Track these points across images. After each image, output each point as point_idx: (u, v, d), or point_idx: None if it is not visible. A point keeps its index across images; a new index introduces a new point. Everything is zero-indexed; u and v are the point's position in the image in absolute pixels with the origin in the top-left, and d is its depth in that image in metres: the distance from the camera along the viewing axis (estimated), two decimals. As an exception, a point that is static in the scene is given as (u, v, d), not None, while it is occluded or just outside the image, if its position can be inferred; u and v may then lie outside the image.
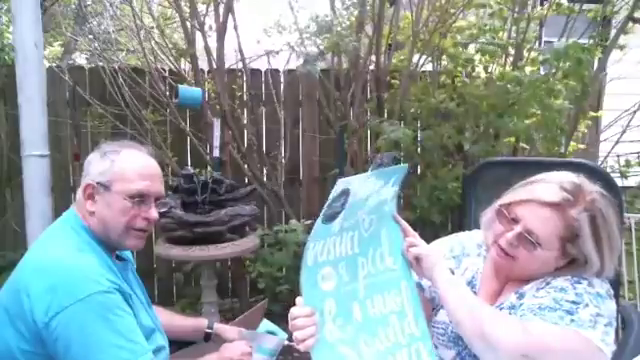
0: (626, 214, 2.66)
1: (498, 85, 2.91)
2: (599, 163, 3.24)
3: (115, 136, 3.19)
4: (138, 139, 3.08)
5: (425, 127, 3.24)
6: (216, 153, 3.06)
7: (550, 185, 1.10)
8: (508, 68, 3.13)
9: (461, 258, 1.29)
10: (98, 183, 1.23)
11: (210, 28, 3.15)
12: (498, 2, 3.02)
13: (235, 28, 3.17)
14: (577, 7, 3.11)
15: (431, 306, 1.28)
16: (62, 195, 3.23)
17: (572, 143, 3.13)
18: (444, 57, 3.26)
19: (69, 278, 1.10)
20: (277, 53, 3.40)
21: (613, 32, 3.09)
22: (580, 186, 1.09)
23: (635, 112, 3.26)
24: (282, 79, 3.63)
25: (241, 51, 3.29)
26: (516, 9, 3.04)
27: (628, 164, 3.32)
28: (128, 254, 1.42)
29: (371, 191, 1.05)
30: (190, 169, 2.67)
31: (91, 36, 4.15)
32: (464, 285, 1.18)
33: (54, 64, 4.36)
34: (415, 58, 3.24)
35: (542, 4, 3.60)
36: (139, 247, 1.30)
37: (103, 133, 3.27)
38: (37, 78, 2.36)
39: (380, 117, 3.17)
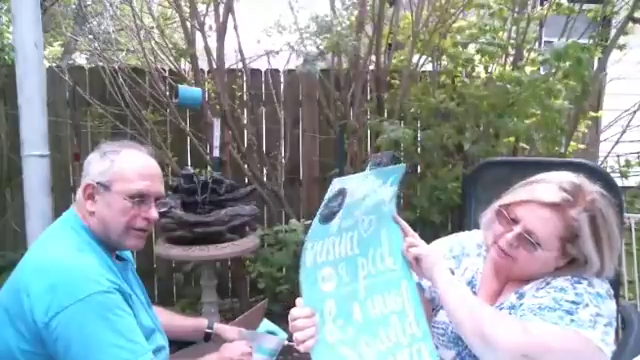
0: (626, 214, 2.66)
1: (498, 85, 2.91)
2: (599, 163, 3.24)
3: (115, 136, 3.19)
4: (138, 139, 3.08)
5: (425, 127, 3.24)
6: (216, 153, 3.06)
7: (550, 185, 1.09)
8: (508, 68, 3.13)
9: (461, 258, 1.29)
10: (98, 183, 1.23)
11: (210, 28, 3.15)
12: (498, 2, 3.02)
13: (235, 28, 3.17)
14: (577, 7, 3.11)
15: (431, 306, 1.28)
16: (62, 195, 3.23)
17: (572, 143, 3.13)
18: (444, 57, 3.26)
19: (69, 278, 1.10)
20: (277, 53, 3.40)
21: (613, 32, 3.09)
22: (580, 186, 1.09)
23: (635, 112, 3.26)
24: (282, 79, 3.63)
25: (241, 51, 3.29)
26: (516, 9, 3.04)
27: (628, 164, 3.32)
28: (128, 254, 1.42)
29: (369, 190, 1.05)
30: (190, 169, 2.67)
31: (91, 36, 4.15)
32: (464, 285, 1.18)
33: (54, 64, 4.35)
34: (415, 58, 3.24)
35: (542, 4, 3.60)
36: (139, 247, 1.30)
37: (103, 133, 3.27)
38: (37, 78, 2.36)
39: (380, 117, 3.18)
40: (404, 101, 3.15)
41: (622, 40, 3.00)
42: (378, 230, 1.12)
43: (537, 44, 3.46)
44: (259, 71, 3.55)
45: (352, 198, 1.00)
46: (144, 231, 1.28)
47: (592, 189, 1.10)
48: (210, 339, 1.53)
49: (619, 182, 2.95)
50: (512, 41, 3.07)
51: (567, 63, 2.64)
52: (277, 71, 3.59)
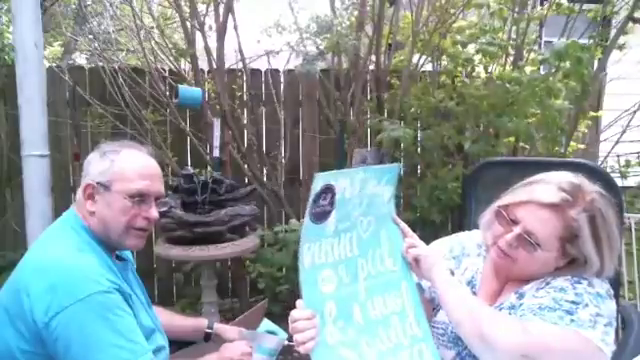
0: (626, 214, 2.66)
1: (497, 84, 2.91)
2: (599, 163, 3.24)
3: (115, 136, 3.19)
4: (138, 139, 3.08)
5: (425, 127, 3.24)
6: (216, 153, 3.06)
7: (549, 186, 1.09)
8: (508, 68, 3.13)
9: (461, 258, 1.29)
10: (98, 183, 1.23)
11: (210, 28, 3.15)
12: (498, 2, 3.02)
13: (235, 28, 3.17)
14: (577, 7, 3.11)
15: (431, 306, 1.28)
16: (62, 195, 3.23)
17: (572, 143, 3.13)
18: (444, 57, 3.26)
19: (69, 278, 1.10)
20: (277, 53, 3.40)
21: (613, 32, 3.09)
22: (579, 186, 1.09)
23: (635, 112, 3.26)
24: (282, 79, 3.63)
25: (241, 51, 3.30)
26: (516, 9, 3.04)
27: (628, 164, 3.32)
28: (128, 254, 1.42)
29: (362, 190, 1.04)
30: (190, 169, 2.67)
31: (91, 36, 4.14)
32: (463, 286, 1.18)
33: (54, 64, 4.35)
34: (415, 58, 3.24)
35: (542, 4, 3.61)
36: (139, 247, 1.30)
37: (103, 133, 3.28)
38: (37, 78, 2.36)
39: (380, 117, 3.18)
40: (404, 101, 3.15)
41: (622, 40, 3.00)
42: (377, 231, 1.11)
43: (537, 44, 3.47)
44: (259, 71, 3.55)
45: (343, 196, 1.00)
46: (144, 231, 1.28)
47: (591, 189, 1.09)
48: (210, 339, 1.53)
49: (619, 182, 2.95)
50: (512, 41, 3.07)
51: (567, 63, 2.65)
52: (277, 71, 3.59)
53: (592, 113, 3.36)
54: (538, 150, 3.00)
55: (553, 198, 1.07)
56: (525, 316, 1.06)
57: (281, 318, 1.29)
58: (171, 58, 3.44)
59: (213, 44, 3.14)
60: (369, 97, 3.47)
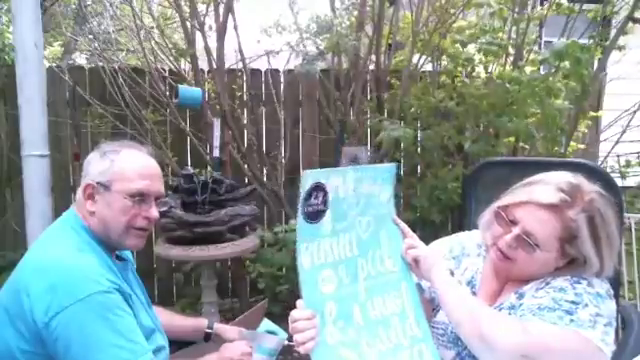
0: (626, 214, 2.66)
1: (497, 84, 2.91)
2: (599, 163, 3.24)
3: (115, 136, 3.19)
4: (138, 139, 3.08)
5: (425, 127, 3.24)
6: (216, 153, 3.06)
7: (548, 186, 1.09)
8: (508, 68, 3.13)
9: (461, 258, 1.29)
10: (98, 183, 1.23)
11: (210, 28, 3.15)
12: (498, 2, 3.02)
13: (235, 28, 3.17)
14: (577, 7, 3.11)
15: (431, 307, 1.28)
16: (62, 195, 3.23)
17: (572, 143, 3.13)
18: (444, 57, 3.26)
19: (69, 278, 1.10)
20: (277, 53, 3.39)
21: (613, 32, 3.09)
22: (578, 186, 1.09)
23: (635, 112, 3.26)
24: (282, 79, 3.63)
25: (241, 51, 3.29)
26: (516, 9, 3.04)
27: (628, 164, 3.32)
28: (128, 254, 1.42)
29: (358, 190, 1.04)
30: (190, 169, 2.67)
31: (91, 36, 4.14)
32: (463, 286, 1.18)
33: (54, 64, 4.35)
34: (415, 58, 3.24)
35: (542, 4, 3.60)
36: (139, 247, 1.30)
37: (103, 133, 3.27)
38: (37, 78, 2.36)
39: (380, 117, 3.18)
40: (404, 101, 3.15)
41: (622, 40, 3.00)
42: (377, 231, 1.11)
43: (537, 44, 3.47)
44: (259, 71, 3.55)
45: (337, 196, 0.99)
46: (144, 230, 1.28)
47: (590, 189, 1.09)
48: (210, 339, 1.53)
49: (619, 182, 2.95)
50: (512, 41, 3.08)
51: (567, 63, 2.65)
52: (277, 71, 3.59)
53: (592, 113, 3.36)
54: (538, 150, 3.01)
55: (552, 199, 1.07)
56: (525, 316, 1.06)
57: (281, 318, 1.29)
58: (171, 58, 3.44)
59: (213, 44, 3.14)
60: (369, 97, 3.47)
